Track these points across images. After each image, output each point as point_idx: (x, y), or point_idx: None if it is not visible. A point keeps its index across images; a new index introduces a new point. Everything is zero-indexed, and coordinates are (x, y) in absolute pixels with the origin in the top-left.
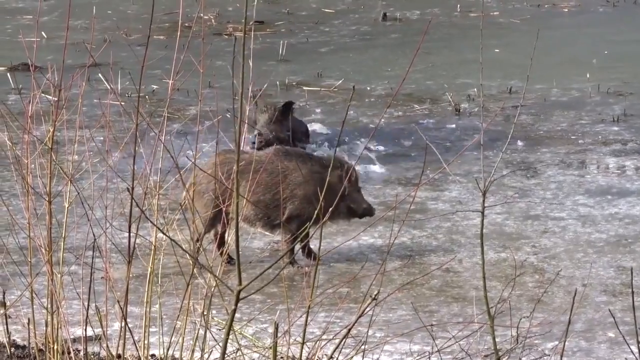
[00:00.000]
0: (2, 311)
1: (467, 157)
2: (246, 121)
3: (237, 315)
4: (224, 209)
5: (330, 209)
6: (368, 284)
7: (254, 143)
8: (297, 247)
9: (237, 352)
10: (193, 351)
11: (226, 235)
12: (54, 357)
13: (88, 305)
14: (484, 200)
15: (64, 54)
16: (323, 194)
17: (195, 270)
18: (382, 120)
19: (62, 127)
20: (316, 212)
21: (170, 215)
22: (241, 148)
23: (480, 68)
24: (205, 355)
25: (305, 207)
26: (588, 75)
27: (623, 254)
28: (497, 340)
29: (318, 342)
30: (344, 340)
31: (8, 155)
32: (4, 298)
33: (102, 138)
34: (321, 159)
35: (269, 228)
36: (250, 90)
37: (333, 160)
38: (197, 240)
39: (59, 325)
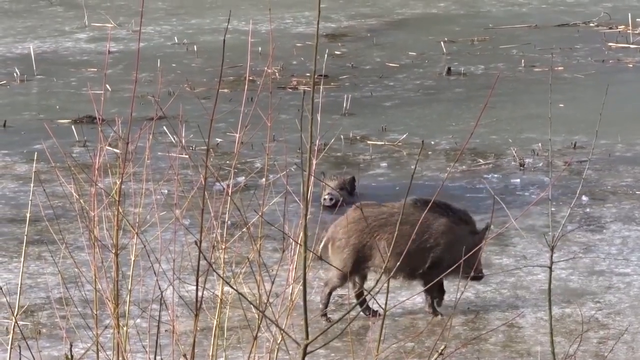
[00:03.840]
0: None
1: (530, 212)
2: (313, 174)
3: None
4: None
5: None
6: (433, 339)
7: (324, 199)
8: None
9: None
10: None
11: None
12: None
13: (154, 358)
14: (551, 256)
15: (132, 106)
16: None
17: (261, 323)
18: (447, 174)
19: (127, 179)
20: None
21: (236, 268)
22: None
23: (544, 123)
24: None
25: (446, 255)
26: None
27: None
28: None
29: None
30: None
31: (74, 207)
32: (70, 351)
33: (166, 191)
34: (457, 212)
35: (409, 278)
36: (317, 143)
37: (463, 214)
38: (329, 294)
39: None
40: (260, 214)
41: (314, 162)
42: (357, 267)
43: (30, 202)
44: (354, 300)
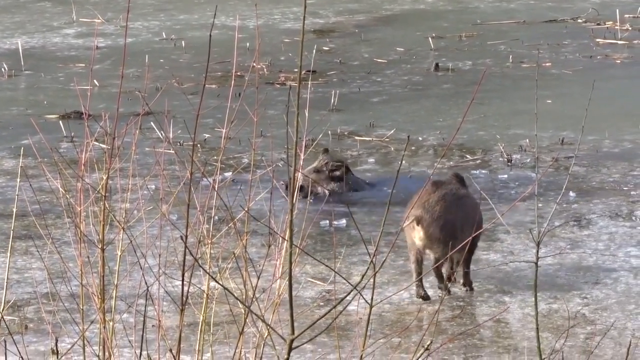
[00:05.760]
0: (54, 359)
1: (518, 208)
2: (300, 170)
3: None
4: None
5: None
6: (420, 335)
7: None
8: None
9: None
10: None
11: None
12: None
13: (140, 353)
14: (537, 251)
15: (118, 102)
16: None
17: (247, 318)
18: (435, 170)
19: (114, 175)
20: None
21: (222, 264)
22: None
23: (532, 119)
24: None
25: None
26: None
27: None
28: None
29: None
30: None
31: (61, 203)
32: (56, 346)
33: (153, 186)
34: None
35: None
36: (304, 139)
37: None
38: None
39: None
40: (246, 209)
41: (301, 157)
42: (454, 241)
43: (17, 197)
44: (341, 296)
